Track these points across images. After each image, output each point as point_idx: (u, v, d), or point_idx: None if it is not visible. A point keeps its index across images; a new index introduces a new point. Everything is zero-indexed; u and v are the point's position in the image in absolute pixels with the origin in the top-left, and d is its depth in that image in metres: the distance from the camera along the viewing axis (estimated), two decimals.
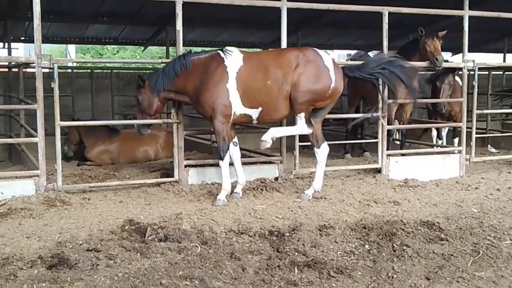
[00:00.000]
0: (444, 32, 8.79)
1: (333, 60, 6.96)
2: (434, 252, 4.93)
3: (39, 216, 5.99)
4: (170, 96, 7.12)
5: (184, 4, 7.22)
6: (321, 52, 6.95)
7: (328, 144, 7.23)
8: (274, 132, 6.74)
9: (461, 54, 9.04)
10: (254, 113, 6.80)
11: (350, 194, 7.18)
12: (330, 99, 6.91)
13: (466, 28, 8.70)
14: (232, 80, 6.68)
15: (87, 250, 4.79)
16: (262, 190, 7.27)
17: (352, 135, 10.94)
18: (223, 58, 6.78)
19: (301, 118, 6.78)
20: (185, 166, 7.56)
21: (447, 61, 11.33)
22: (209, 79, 6.70)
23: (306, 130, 6.87)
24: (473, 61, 8.82)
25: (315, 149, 7.12)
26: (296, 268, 4.50)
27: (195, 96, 6.83)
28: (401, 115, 9.68)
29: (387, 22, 8.19)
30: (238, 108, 6.75)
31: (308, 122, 6.84)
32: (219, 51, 6.90)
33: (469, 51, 8.99)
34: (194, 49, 7.53)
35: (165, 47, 13.73)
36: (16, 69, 10.13)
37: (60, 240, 5.11)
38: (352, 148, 10.94)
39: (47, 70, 6.92)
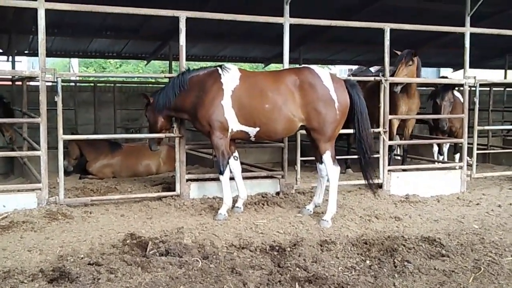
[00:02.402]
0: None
1: (332, 75, 6.84)
2: (435, 268, 4.93)
3: (41, 229, 5.99)
4: (171, 114, 7.21)
5: (187, 19, 7.30)
6: (318, 70, 6.77)
7: None
8: (332, 208, 6.60)
9: (462, 70, 9.09)
10: (252, 131, 6.80)
11: (351, 209, 7.17)
12: (343, 118, 6.76)
13: (467, 45, 8.76)
14: (227, 97, 6.68)
15: (88, 264, 4.80)
16: (263, 204, 7.28)
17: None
18: (220, 75, 6.81)
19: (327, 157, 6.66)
20: (187, 180, 7.58)
21: (446, 77, 11.39)
22: (205, 96, 6.74)
23: (337, 169, 6.74)
24: (474, 77, 8.85)
25: (318, 165, 7.03)
26: (297, 283, 4.50)
27: (193, 112, 6.87)
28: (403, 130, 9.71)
29: (388, 38, 8.24)
30: (235, 125, 6.76)
31: (334, 159, 6.73)
32: (217, 68, 6.94)
33: (470, 67, 9.04)
34: (197, 63, 7.59)
35: (168, 61, 13.81)
36: (20, 82, 10.19)
37: (61, 254, 5.12)
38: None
39: (50, 84, 6.98)
